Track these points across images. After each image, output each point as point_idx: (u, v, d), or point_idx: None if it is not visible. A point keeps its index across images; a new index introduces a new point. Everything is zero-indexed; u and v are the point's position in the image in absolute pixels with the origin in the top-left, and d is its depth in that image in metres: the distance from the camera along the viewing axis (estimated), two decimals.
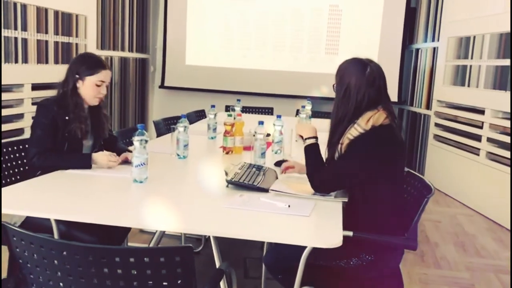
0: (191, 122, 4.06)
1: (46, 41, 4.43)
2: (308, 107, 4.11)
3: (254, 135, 2.47)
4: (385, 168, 1.83)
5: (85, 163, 2.16)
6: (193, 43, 6.44)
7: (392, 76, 6.03)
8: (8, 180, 2.26)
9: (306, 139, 2.00)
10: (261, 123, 2.51)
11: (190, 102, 6.43)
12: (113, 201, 1.81)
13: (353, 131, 1.84)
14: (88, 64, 2.32)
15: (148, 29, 6.56)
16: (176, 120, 3.79)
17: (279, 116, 2.82)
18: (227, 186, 2.01)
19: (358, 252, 1.84)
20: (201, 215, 1.69)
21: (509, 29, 4.11)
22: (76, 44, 4.88)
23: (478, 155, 4.56)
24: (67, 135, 2.24)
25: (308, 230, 1.63)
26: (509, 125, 4.05)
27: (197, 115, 4.42)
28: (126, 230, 2.32)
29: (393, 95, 6.08)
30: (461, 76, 4.95)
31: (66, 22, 4.70)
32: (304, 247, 1.58)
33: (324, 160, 1.99)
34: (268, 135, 3.45)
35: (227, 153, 2.77)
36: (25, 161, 2.33)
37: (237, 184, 1.98)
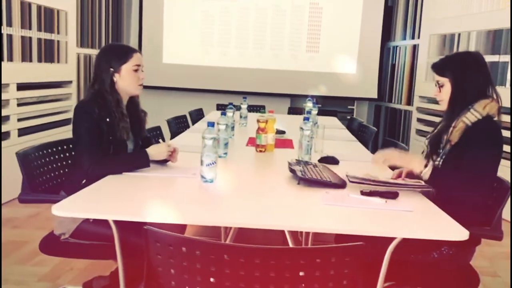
0: (192, 121, 3.95)
1: (30, 38, 4.14)
2: (310, 104, 4.11)
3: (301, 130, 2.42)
4: (497, 158, 1.86)
5: (145, 162, 2.03)
6: (170, 41, 6.26)
7: (371, 73, 6.16)
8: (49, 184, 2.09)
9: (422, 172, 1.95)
10: (306, 119, 2.46)
11: (168, 102, 6.27)
12: (195, 201, 1.72)
13: (470, 116, 1.90)
14: (117, 52, 2.15)
15: (122, 26, 6.31)
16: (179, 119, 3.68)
17: (307, 119, 2.57)
18: (298, 183, 1.95)
19: (440, 244, 1.84)
20: (301, 212, 1.63)
21: (497, 27, 4.30)
22: (58, 42, 4.60)
23: None
24: (111, 138, 2.08)
25: (428, 223, 1.59)
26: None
27: (198, 114, 4.30)
28: (182, 231, 2.21)
29: (373, 92, 6.22)
30: None
31: (48, 17, 4.42)
32: (384, 243, 1.55)
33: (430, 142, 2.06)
34: (283, 132, 3.42)
35: (260, 151, 2.70)
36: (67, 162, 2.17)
37: (309, 181, 1.93)
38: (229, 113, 3.21)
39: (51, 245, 2.00)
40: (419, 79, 5.57)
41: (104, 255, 2.00)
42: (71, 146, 2.25)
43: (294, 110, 5.57)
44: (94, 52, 5.46)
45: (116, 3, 6.04)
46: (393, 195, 1.76)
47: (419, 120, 5.58)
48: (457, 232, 1.43)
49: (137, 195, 1.77)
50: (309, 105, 4.12)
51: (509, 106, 4.14)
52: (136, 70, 2.14)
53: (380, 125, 6.45)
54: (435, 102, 5.21)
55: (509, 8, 4.11)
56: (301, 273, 1.09)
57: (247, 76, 6.19)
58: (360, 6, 6.08)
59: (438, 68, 2.08)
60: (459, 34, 4.91)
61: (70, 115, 4.89)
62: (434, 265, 1.87)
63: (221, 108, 5.10)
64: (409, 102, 5.83)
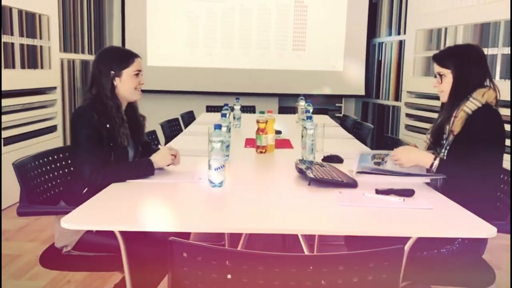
0: (185, 124, 3.88)
1: (12, 44, 4.01)
2: (303, 103, 4.08)
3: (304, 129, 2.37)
4: (500, 147, 1.84)
5: (149, 170, 1.95)
6: (154, 44, 6.16)
7: (358, 70, 6.16)
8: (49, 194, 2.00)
9: (432, 165, 1.93)
10: (309, 118, 2.42)
11: (155, 105, 6.15)
12: (205, 208, 1.65)
13: (470, 105, 1.91)
14: (119, 57, 2.08)
15: (104, 29, 6.18)
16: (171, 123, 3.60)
17: (309, 118, 2.50)
18: (309, 184, 1.90)
19: (454, 239, 1.81)
20: (316, 215, 1.58)
21: (484, 20, 4.33)
22: (41, 47, 4.46)
23: None
24: (112, 144, 1.99)
25: (451, 221, 1.56)
26: None
27: (190, 116, 4.22)
28: (187, 239, 2.13)
29: (360, 89, 6.22)
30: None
31: (30, 22, 4.28)
32: (398, 242, 1.50)
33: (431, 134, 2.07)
34: (280, 132, 3.37)
35: (261, 152, 2.65)
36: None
37: (321, 181, 1.88)
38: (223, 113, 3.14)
39: (53, 258, 1.91)
40: (407, 75, 5.58)
41: (110, 266, 1.92)
42: (67, 154, 2.15)
43: (284, 110, 5.53)
44: (77, 57, 5.33)
45: (97, 6, 5.91)
46: (410, 193, 1.72)
47: (408, 115, 5.60)
48: (484, 229, 1.39)
49: (145, 204, 1.70)
50: (301, 104, 4.08)
51: (504, 99, 4.15)
52: (136, 75, 2.07)
53: (369, 122, 6.45)
54: (424, 97, 5.28)
55: (496, 1, 4.13)
56: (339, 281, 1.04)
57: (234, 76, 6.13)
58: (345, 3, 6.07)
59: (440, 59, 2.08)
60: (445, 29, 4.93)
61: (55, 122, 4.77)
62: (448, 260, 1.84)
63: (211, 109, 5.03)
64: (397, 97, 5.84)
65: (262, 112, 2.78)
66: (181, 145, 2.83)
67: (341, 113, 6.28)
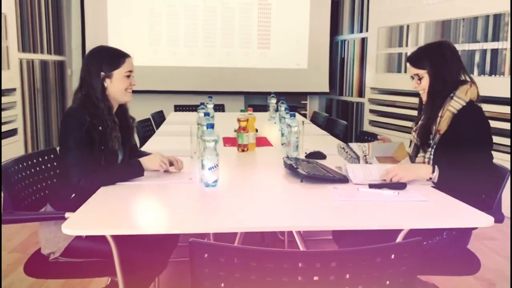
0: (156, 124, 3.82)
1: None
2: (274, 101, 4.10)
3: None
4: (489, 142, 1.90)
5: (139, 171, 1.90)
6: (116, 42, 5.99)
7: (322, 67, 6.25)
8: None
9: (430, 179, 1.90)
10: (293, 115, 2.43)
11: None
12: (199, 208, 1.64)
13: (455, 104, 1.94)
14: (110, 57, 2.01)
15: (63, 27, 5.97)
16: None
17: (293, 115, 2.52)
18: (301, 181, 1.91)
19: (442, 230, 1.87)
20: (314, 211, 1.59)
21: (445, 17, 4.49)
22: None
23: None
24: (103, 148, 1.93)
25: (447, 212, 1.60)
26: None
27: (160, 116, 4.15)
28: (175, 241, 2.10)
29: (325, 86, 6.31)
30: (397, 63, 5.28)
31: None
32: (388, 235, 1.54)
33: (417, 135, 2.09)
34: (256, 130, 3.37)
35: (243, 150, 2.64)
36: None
37: (314, 178, 1.89)
38: (201, 113, 3.11)
39: (39, 266, 1.83)
40: (370, 71, 5.71)
41: (100, 272, 1.86)
42: (52, 156, 2.07)
43: (254, 108, 5.51)
44: (37, 57, 5.13)
45: (55, 3, 5.70)
46: (402, 186, 1.76)
47: (371, 111, 5.72)
48: (481, 219, 1.44)
49: (138, 206, 1.66)
50: (273, 101, 4.10)
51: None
52: (128, 76, 2.01)
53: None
54: (387, 92, 5.40)
55: None
56: (347, 276, 1.05)
57: (199, 75, 6.07)
58: (308, 1, 6.13)
59: (415, 61, 2.09)
60: (407, 26, 5.08)
61: (15, 125, 4.57)
62: (436, 251, 1.89)
63: (180, 109, 4.97)
64: (361, 94, 5.96)
65: (243, 111, 2.77)
66: (161, 146, 2.79)
67: (306, 110, 6.35)
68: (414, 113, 4.87)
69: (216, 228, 1.59)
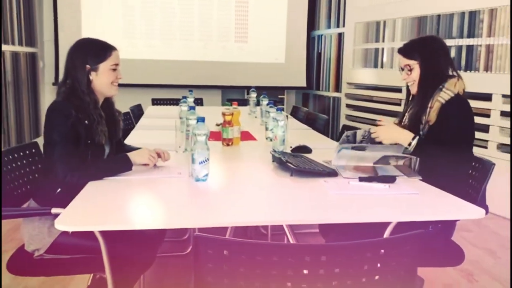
0: (135, 118, 3.77)
1: None
2: (254, 95, 4.08)
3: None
4: (471, 134, 1.95)
5: (127, 166, 1.86)
6: (90, 34, 5.84)
7: (299, 62, 6.27)
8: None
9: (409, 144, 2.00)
10: (279, 109, 2.42)
11: None
12: (190, 203, 1.62)
13: (443, 95, 2.01)
14: (95, 50, 1.96)
15: (34, 18, 5.79)
16: None
17: (280, 109, 2.49)
18: (291, 175, 1.91)
19: (428, 223, 1.90)
20: (306, 205, 1.59)
21: (422, 13, 4.57)
22: None
23: None
24: (90, 142, 1.88)
25: (439, 205, 1.62)
26: None
27: (139, 110, 4.09)
28: (162, 236, 2.07)
29: (302, 81, 6.33)
30: (373, 59, 5.34)
31: None
32: (376, 228, 1.57)
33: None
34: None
35: (227, 145, 2.62)
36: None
37: (303, 172, 1.90)
38: (184, 107, 3.07)
39: (23, 263, 1.78)
40: (346, 66, 5.76)
41: (87, 268, 1.83)
42: (34, 150, 2.01)
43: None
44: (7, 48, 4.96)
45: None
46: (392, 179, 1.79)
47: (348, 105, 5.78)
48: (472, 211, 1.47)
49: (127, 201, 1.63)
50: (253, 96, 4.09)
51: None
52: (114, 69, 1.96)
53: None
54: (363, 87, 5.46)
55: None
56: (365, 267, 1.06)
57: (176, 68, 6.01)
58: None
59: (407, 52, 2.16)
60: (384, 21, 5.14)
61: None
62: (422, 243, 1.92)
63: (157, 102, 4.91)
64: (337, 89, 6.01)
65: (228, 104, 2.76)
66: (144, 140, 2.73)
67: (283, 104, 6.36)
68: (391, 107, 4.95)
69: (207, 223, 1.57)
